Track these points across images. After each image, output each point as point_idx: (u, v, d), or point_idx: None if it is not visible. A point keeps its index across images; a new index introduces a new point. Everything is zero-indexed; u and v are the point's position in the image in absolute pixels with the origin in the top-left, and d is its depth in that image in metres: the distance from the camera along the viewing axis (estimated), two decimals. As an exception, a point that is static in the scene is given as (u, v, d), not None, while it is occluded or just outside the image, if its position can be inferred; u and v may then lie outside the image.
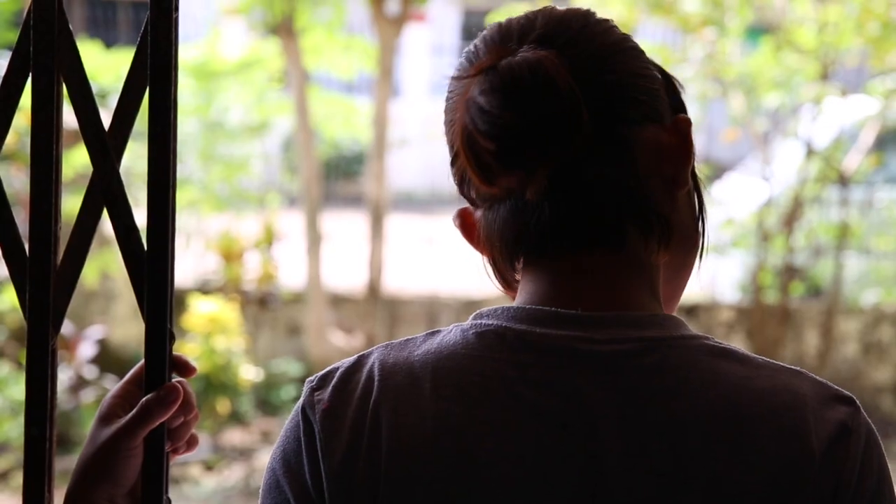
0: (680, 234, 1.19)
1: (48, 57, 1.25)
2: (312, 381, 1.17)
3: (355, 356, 1.17)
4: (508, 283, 1.22)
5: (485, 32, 1.21)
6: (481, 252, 1.21)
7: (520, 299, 1.18)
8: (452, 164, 1.20)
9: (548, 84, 1.12)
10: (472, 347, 1.13)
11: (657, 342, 1.12)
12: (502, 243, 1.17)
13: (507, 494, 1.09)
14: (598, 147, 1.14)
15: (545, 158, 1.12)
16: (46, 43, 1.25)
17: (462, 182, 1.20)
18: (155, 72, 1.23)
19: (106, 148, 1.25)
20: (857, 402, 1.14)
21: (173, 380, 1.24)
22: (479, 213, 1.19)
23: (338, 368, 1.16)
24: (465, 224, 1.21)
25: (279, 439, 1.18)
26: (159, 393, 1.22)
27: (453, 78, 1.20)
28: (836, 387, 1.14)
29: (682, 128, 1.18)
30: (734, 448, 1.09)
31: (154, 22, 1.23)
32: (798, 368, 1.15)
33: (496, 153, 1.13)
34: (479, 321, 1.16)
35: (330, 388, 1.15)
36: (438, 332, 1.17)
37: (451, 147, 1.19)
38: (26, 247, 1.26)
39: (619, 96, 1.15)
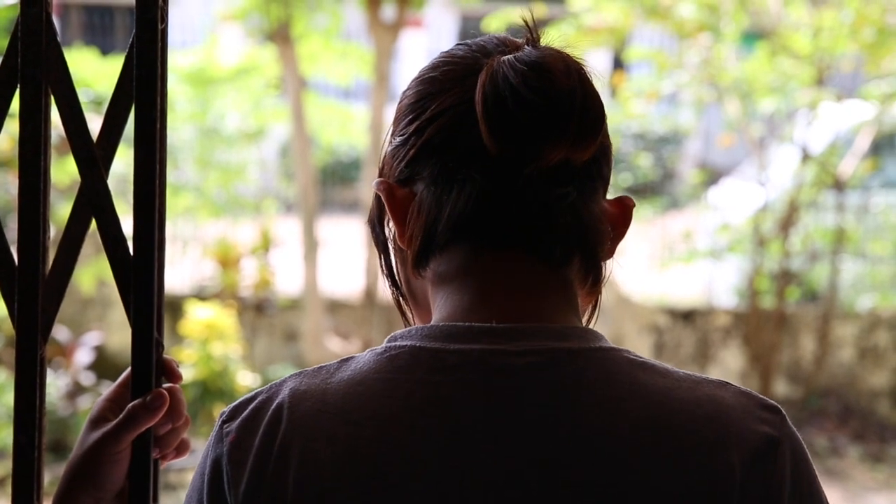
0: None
1: (35, 68, 1.26)
2: (223, 414, 1.16)
3: (269, 385, 1.16)
4: (409, 285, 1.22)
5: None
6: (400, 232, 1.19)
7: (435, 318, 1.17)
8: (410, 132, 1.18)
9: (589, 86, 1.14)
10: (384, 371, 1.12)
11: (575, 353, 1.11)
12: (446, 223, 1.15)
13: None
14: (590, 175, 1.16)
15: (554, 148, 1.11)
16: (34, 55, 1.26)
17: (415, 151, 1.17)
18: (140, 83, 1.24)
19: (94, 159, 1.26)
20: (783, 411, 1.13)
21: (163, 386, 1.25)
22: (420, 189, 1.17)
23: (249, 400, 1.16)
24: (394, 195, 1.19)
25: (194, 474, 1.18)
26: (145, 399, 1.23)
27: (455, 55, 1.19)
28: (762, 397, 1.13)
29: (630, 209, 1.20)
30: (654, 459, 1.07)
31: (139, 33, 1.24)
32: (723, 380, 1.14)
33: (520, 122, 1.11)
34: (392, 343, 1.15)
35: (239, 419, 1.14)
36: (353, 358, 1.16)
37: (426, 114, 1.17)
38: (15, 256, 1.27)
39: (608, 153, 1.19)
